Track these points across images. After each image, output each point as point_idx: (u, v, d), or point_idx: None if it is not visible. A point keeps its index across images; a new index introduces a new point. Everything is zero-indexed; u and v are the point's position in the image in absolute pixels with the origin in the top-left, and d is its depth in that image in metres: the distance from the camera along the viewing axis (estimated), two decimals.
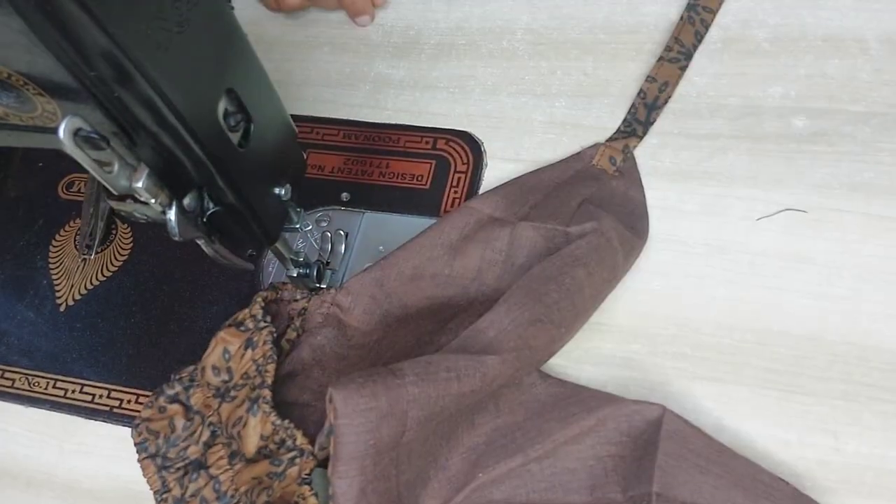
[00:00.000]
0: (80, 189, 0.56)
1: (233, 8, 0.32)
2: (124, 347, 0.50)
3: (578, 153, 0.47)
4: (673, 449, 0.36)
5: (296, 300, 0.44)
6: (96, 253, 0.53)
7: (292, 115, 0.39)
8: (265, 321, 0.41)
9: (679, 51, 0.48)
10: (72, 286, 0.52)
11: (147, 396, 0.47)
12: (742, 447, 0.37)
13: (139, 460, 0.41)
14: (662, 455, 0.35)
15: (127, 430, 0.43)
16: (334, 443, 0.33)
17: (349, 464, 0.33)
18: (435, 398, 0.35)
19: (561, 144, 0.49)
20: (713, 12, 0.50)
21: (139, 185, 0.30)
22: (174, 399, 0.42)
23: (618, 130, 0.48)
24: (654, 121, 0.48)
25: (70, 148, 0.27)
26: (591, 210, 0.43)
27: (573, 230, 0.42)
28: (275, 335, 0.41)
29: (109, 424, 0.48)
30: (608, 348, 0.43)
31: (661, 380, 0.41)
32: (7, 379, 0.50)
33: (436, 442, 0.37)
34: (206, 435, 0.41)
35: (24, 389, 0.50)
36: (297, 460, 0.37)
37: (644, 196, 0.46)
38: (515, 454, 0.37)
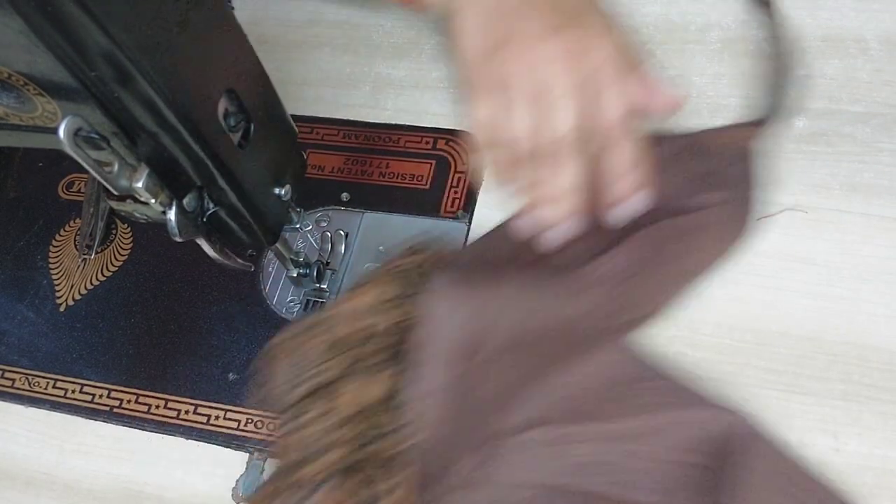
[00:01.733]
0: (80, 189, 0.56)
1: (233, 8, 0.32)
2: (124, 347, 0.50)
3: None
4: (762, 467, 0.35)
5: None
6: (96, 253, 0.53)
7: (292, 116, 0.39)
8: (421, 278, 0.39)
9: None
10: (72, 286, 0.52)
11: (148, 396, 0.47)
12: None
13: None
14: (750, 473, 0.34)
15: (127, 430, 0.43)
16: (423, 334, 0.33)
17: (435, 357, 0.33)
18: (527, 313, 0.35)
19: None
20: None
21: (139, 185, 0.30)
22: None
23: None
24: None
25: (70, 148, 0.27)
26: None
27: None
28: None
29: (109, 424, 0.48)
30: None
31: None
32: (7, 379, 0.50)
33: (517, 373, 0.37)
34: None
35: (24, 389, 0.50)
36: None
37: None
38: (587, 421, 0.37)
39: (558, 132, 0.32)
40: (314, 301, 0.48)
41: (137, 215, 0.35)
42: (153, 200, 0.31)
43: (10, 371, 0.51)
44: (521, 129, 0.32)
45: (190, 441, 0.46)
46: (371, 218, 0.49)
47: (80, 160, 0.28)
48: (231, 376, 0.47)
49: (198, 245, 0.36)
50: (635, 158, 0.34)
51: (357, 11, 0.58)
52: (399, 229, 0.48)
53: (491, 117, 0.33)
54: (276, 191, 0.38)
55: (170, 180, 0.32)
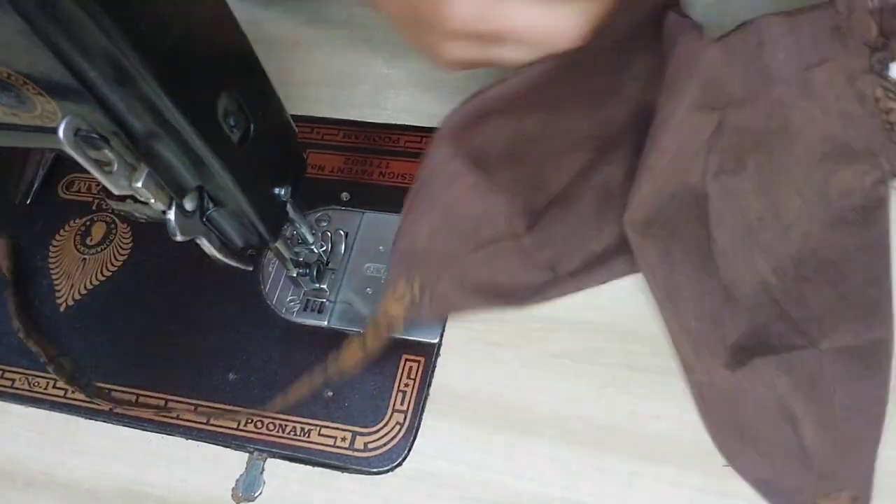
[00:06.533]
0: (80, 189, 0.56)
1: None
2: (124, 347, 0.49)
3: None
4: None
5: None
6: (98, 252, 0.53)
7: (292, 115, 0.39)
8: None
9: None
10: (72, 286, 0.52)
11: (148, 396, 0.47)
12: None
13: None
14: None
15: (127, 431, 0.43)
16: None
17: None
18: None
19: None
20: None
21: (139, 184, 0.30)
22: None
23: None
24: None
25: (70, 147, 0.27)
26: None
27: None
28: None
29: (109, 424, 0.48)
30: (608, 348, 0.43)
31: (662, 380, 0.41)
32: (7, 379, 0.50)
33: None
34: None
35: (24, 389, 0.50)
36: None
37: None
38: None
39: None
40: (314, 301, 0.48)
41: (137, 215, 0.35)
42: (153, 200, 0.31)
43: (10, 371, 0.51)
44: None
45: (190, 441, 0.46)
46: (371, 218, 0.49)
47: (79, 159, 0.28)
48: (231, 376, 0.47)
49: (198, 245, 0.36)
50: None
51: (357, 11, 0.58)
52: None
53: None
54: (276, 191, 0.38)
55: (170, 180, 0.32)
